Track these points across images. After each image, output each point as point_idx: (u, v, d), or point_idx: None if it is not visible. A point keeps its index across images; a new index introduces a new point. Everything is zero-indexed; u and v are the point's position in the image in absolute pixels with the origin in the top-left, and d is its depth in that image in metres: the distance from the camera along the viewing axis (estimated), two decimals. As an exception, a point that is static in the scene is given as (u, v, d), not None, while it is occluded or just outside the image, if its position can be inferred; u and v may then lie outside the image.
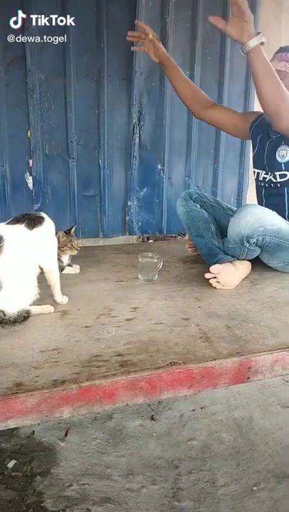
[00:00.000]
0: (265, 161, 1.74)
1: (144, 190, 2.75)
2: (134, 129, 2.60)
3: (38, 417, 0.93)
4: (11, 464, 1.53)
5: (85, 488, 1.44)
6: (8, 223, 1.28)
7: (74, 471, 1.51)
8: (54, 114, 2.46)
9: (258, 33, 1.39)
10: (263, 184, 1.78)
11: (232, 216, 1.62)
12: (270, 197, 1.77)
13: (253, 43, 1.38)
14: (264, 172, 1.76)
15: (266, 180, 1.75)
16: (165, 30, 2.50)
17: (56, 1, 2.29)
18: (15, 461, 1.54)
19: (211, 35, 2.63)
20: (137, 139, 2.62)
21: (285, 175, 1.67)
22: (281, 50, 1.66)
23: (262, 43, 1.39)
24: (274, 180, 1.71)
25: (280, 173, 1.68)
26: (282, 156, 1.66)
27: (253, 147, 1.85)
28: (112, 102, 2.53)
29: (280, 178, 1.69)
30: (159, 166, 2.72)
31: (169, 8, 2.48)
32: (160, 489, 1.45)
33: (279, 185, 1.71)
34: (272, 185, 1.74)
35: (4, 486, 1.44)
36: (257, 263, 1.69)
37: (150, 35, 1.73)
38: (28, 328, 1.21)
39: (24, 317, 1.21)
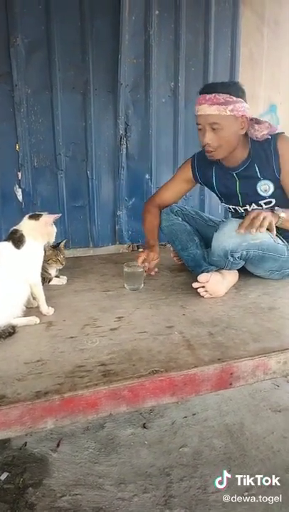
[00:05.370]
0: (246, 200, 1.70)
1: (133, 199, 2.78)
2: (121, 140, 2.64)
3: (21, 428, 0.95)
4: (3, 477, 1.53)
5: (77, 499, 1.44)
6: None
7: (66, 481, 1.52)
8: (42, 127, 2.50)
9: (273, 209, 1.53)
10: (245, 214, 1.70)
11: (213, 227, 1.62)
12: None
13: (282, 214, 1.51)
14: (247, 206, 1.72)
15: (248, 211, 1.70)
16: (149, 43, 2.56)
17: (41, 17, 2.34)
18: (7, 474, 1.54)
19: (194, 46, 2.69)
20: (124, 149, 2.66)
21: (271, 202, 1.65)
22: None
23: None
24: (260, 208, 1.67)
25: (264, 201, 1.66)
26: (266, 191, 1.64)
27: (221, 199, 1.82)
28: (99, 114, 2.57)
29: (266, 205, 1.66)
30: (147, 176, 2.76)
31: (152, 21, 2.53)
32: (152, 497, 1.45)
33: (265, 208, 1.66)
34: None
35: (-4, 499, 1.44)
36: (242, 270, 1.71)
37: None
38: (13, 339, 1.22)
39: (9, 333, 1.22)
